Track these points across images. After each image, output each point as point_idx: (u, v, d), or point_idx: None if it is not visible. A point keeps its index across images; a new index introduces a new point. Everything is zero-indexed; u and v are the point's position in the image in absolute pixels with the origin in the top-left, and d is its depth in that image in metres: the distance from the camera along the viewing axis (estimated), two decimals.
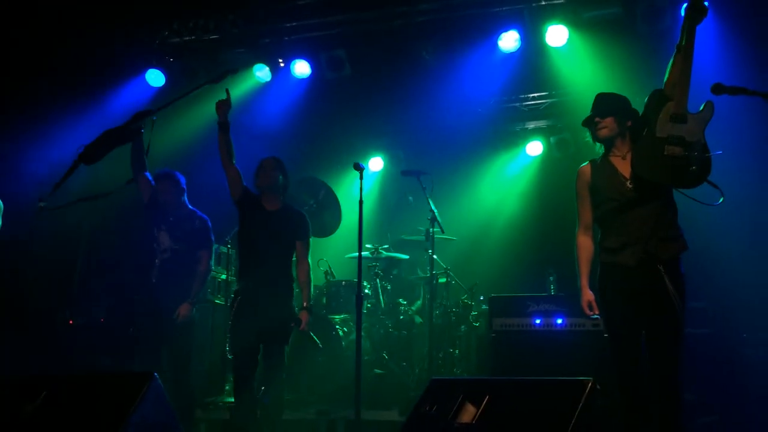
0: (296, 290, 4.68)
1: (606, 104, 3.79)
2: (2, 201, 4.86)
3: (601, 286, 3.72)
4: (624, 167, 3.73)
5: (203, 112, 7.17)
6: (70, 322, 6.23)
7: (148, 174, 4.90)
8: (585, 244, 3.82)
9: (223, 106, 4.62)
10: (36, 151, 6.64)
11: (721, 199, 3.59)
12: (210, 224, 5.02)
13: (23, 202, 6.50)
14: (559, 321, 5.26)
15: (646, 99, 3.73)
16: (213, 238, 5.05)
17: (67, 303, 6.40)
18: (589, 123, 3.81)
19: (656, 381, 3.53)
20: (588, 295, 3.76)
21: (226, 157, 4.59)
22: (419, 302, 6.74)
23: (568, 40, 6.20)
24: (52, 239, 6.67)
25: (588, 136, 3.89)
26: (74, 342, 6.20)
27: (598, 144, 3.85)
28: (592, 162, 3.85)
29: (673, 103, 3.59)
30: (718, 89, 3.42)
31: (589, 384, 2.91)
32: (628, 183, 3.67)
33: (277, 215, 4.61)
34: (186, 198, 5.05)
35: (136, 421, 2.94)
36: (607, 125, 3.75)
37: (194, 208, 5.05)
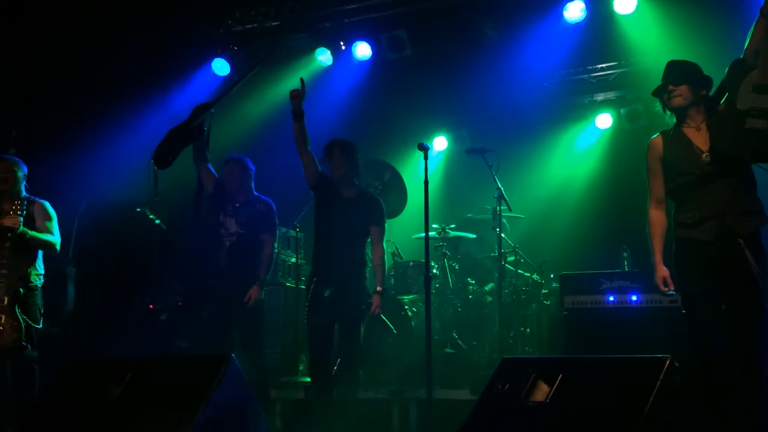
0: (369, 274, 4.74)
1: (680, 71, 3.63)
2: (83, 196, 5.11)
3: (677, 262, 3.60)
4: (699, 139, 3.57)
5: (270, 95, 7.30)
6: (150, 306, 6.48)
7: (209, 165, 4.99)
8: (657, 219, 3.70)
9: (298, 96, 4.64)
10: (108, 145, 6.88)
11: None
12: (274, 208, 5.07)
13: (97, 195, 6.80)
14: (634, 298, 5.12)
15: (719, 66, 3.56)
16: (277, 222, 5.10)
17: (146, 288, 6.65)
18: (662, 91, 3.65)
19: (738, 357, 3.41)
20: (663, 271, 3.64)
21: (302, 144, 4.61)
22: (493, 284, 6.67)
23: (637, 6, 5.98)
24: (130, 228, 6.95)
25: (659, 106, 3.75)
26: (153, 326, 6.45)
27: (668, 114, 3.71)
28: (664, 133, 3.70)
29: (756, 73, 3.39)
30: None
31: (667, 361, 2.83)
32: (704, 156, 3.52)
33: (354, 201, 4.65)
34: (253, 184, 5.14)
35: (216, 402, 3.04)
36: (682, 93, 3.59)
37: (258, 194, 5.14)
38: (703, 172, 3.52)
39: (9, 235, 4.59)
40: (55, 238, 4.85)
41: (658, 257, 3.67)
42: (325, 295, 4.50)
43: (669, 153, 3.63)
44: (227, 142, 6.75)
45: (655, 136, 3.73)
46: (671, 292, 3.65)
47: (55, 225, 4.90)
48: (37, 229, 4.75)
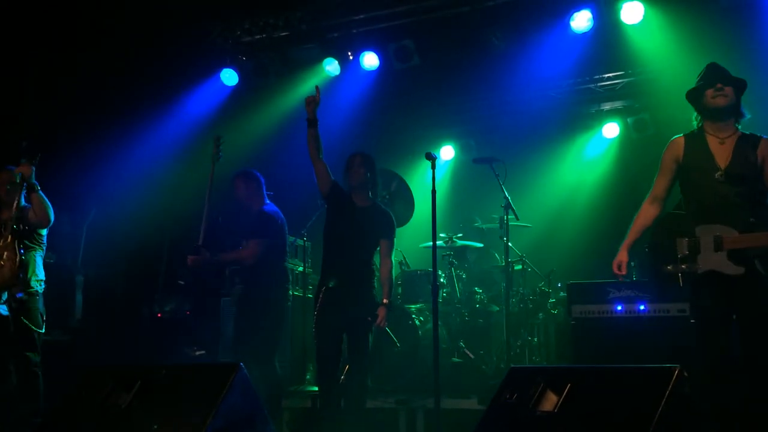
0: (377, 283, 4.76)
1: (728, 74, 3.62)
2: (92, 205, 5.16)
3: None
4: (720, 154, 3.56)
5: (278, 106, 7.33)
6: (159, 315, 6.50)
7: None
8: (648, 213, 3.76)
9: (312, 103, 4.65)
10: (117, 154, 6.93)
11: None
12: (269, 215, 5.05)
13: (106, 204, 6.84)
14: (642, 307, 5.11)
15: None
16: (269, 229, 5.01)
17: (155, 297, 6.69)
18: (707, 86, 3.59)
19: (750, 369, 3.40)
20: (623, 256, 3.73)
21: (315, 152, 4.61)
22: (496, 288, 6.68)
23: (644, 16, 5.99)
24: (139, 236, 7.00)
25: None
26: (161, 334, 6.48)
27: (696, 118, 3.68)
28: (687, 137, 3.68)
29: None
30: None
31: (676, 371, 2.82)
32: (717, 174, 3.52)
33: (366, 212, 4.67)
34: (264, 193, 5.16)
35: (224, 410, 3.05)
36: (728, 94, 3.57)
37: (270, 203, 5.16)
38: (715, 190, 3.52)
39: (24, 184, 4.70)
40: (51, 213, 4.87)
41: (627, 243, 3.76)
42: (330, 285, 4.52)
43: (688, 158, 3.63)
44: (236, 151, 6.78)
45: (678, 136, 3.72)
46: (625, 280, 3.84)
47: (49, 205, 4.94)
48: (31, 223, 4.81)
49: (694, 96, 3.68)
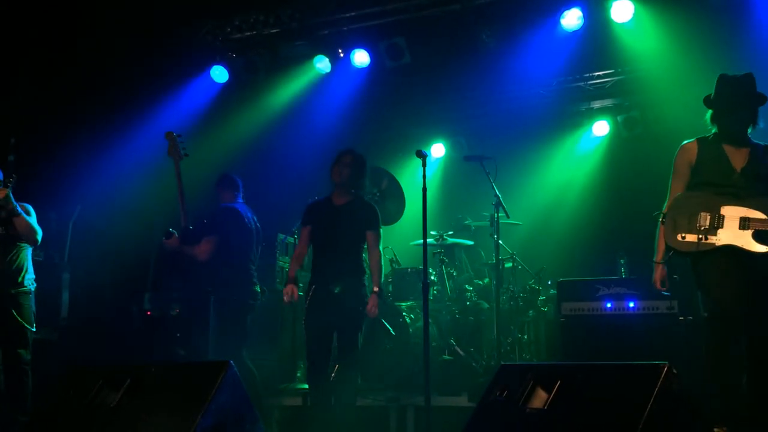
0: (368, 281, 4.76)
1: (745, 91, 3.66)
2: (82, 199, 5.12)
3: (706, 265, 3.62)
4: (735, 159, 3.62)
5: (267, 104, 7.31)
6: (148, 313, 6.47)
7: None
8: None
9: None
10: (105, 151, 6.89)
11: None
12: (221, 211, 5.07)
13: (92, 201, 6.80)
14: (631, 304, 5.14)
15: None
16: (220, 225, 5.01)
17: (144, 295, 6.65)
18: (728, 113, 3.65)
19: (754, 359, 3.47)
20: (663, 271, 3.72)
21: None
22: (485, 281, 6.69)
23: (634, 14, 6.01)
24: (128, 234, 6.95)
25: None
26: (150, 332, 6.45)
27: (709, 121, 3.73)
28: (700, 140, 3.73)
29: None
30: None
31: (665, 368, 2.84)
32: (734, 176, 3.59)
33: (346, 209, 4.68)
34: (233, 194, 5.18)
35: (213, 409, 3.04)
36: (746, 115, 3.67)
37: (235, 203, 5.17)
38: (733, 188, 3.58)
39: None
40: (38, 228, 4.83)
41: (661, 255, 3.74)
42: (336, 291, 4.52)
43: (700, 165, 3.68)
44: (226, 149, 6.77)
45: (689, 141, 3.77)
46: (667, 293, 3.78)
47: (34, 222, 4.89)
48: (20, 237, 4.78)
49: (713, 113, 3.70)
